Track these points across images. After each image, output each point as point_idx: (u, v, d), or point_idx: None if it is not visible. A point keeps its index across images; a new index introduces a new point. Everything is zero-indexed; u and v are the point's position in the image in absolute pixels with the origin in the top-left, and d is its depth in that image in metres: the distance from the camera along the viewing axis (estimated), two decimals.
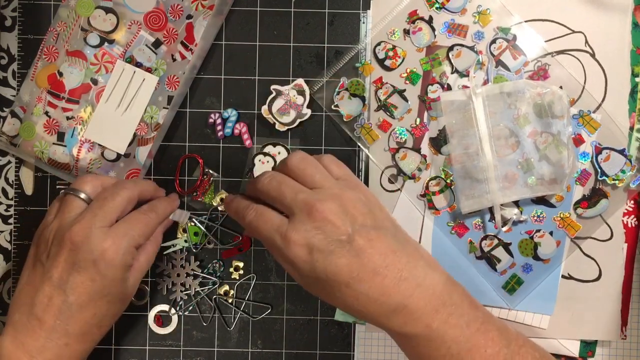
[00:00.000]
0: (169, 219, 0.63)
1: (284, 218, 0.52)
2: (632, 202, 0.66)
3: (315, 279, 0.51)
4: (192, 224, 0.67)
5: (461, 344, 0.50)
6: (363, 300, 0.50)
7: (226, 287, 0.68)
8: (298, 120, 0.66)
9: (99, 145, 0.65)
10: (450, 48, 0.66)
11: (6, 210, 0.68)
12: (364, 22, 0.67)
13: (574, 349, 0.67)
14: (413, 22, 0.66)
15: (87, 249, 0.53)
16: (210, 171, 0.67)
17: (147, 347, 0.68)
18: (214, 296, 0.68)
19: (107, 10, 0.64)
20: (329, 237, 0.50)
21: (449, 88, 0.66)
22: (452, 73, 0.66)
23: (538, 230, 0.66)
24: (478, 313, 0.52)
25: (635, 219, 0.66)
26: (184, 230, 0.67)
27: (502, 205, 0.64)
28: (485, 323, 0.51)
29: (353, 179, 0.56)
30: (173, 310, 0.68)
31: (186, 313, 0.68)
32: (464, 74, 0.66)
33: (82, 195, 0.57)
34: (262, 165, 0.67)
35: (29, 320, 0.54)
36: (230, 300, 0.68)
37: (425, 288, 0.50)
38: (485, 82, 0.65)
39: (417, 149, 0.66)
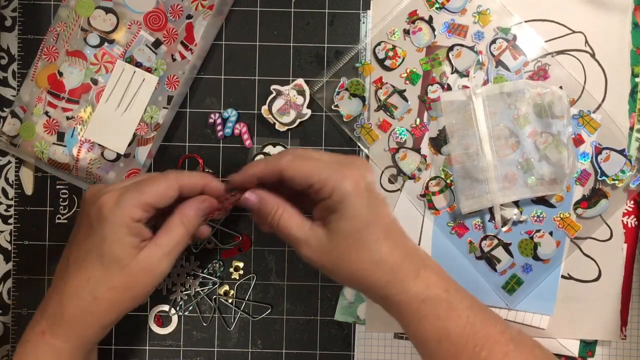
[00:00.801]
0: (211, 202, 0.54)
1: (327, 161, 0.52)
2: (632, 202, 0.67)
3: (359, 221, 0.50)
4: None
5: (476, 312, 0.51)
6: (397, 254, 0.51)
7: (226, 287, 0.68)
8: (298, 120, 0.67)
9: (99, 145, 0.65)
10: (450, 48, 0.66)
11: (6, 210, 0.69)
12: (364, 22, 0.67)
13: (573, 349, 0.67)
14: (413, 22, 0.66)
15: (90, 201, 0.52)
16: (210, 171, 0.68)
17: (147, 347, 0.69)
18: (214, 296, 0.68)
19: (107, 10, 0.65)
20: (373, 184, 0.52)
21: (449, 88, 0.66)
22: (452, 73, 0.66)
23: (538, 231, 0.66)
24: (474, 297, 0.54)
25: (635, 219, 0.67)
26: None
27: (502, 205, 0.65)
28: (483, 305, 0.54)
29: None
30: (173, 310, 0.68)
31: (186, 313, 0.69)
32: (464, 74, 0.66)
33: None
34: None
35: (54, 278, 0.54)
36: (230, 301, 0.68)
37: (429, 256, 0.54)
38: (485, 82, 0.66)
39: (417, 149, 0.67)
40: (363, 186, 0.50)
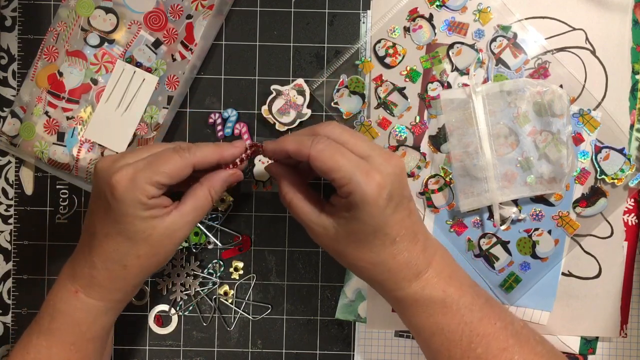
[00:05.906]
0: (237, 176, 0.60)
1: (358, 157, 0.54)
2: (632, 200, 0.70)
3: (369, 227, 0.53)
4: None
5: (474, 312, 0.56)
6: (399, 259, 0.55)
7: (226, 287, 0.72)
8: (298, 120, 0.70)
9: (99, 145, 0.69)
10: (451, 46, 0.70)
11: (6, 210, 0.73)
12: (364, 22, 0.71)
13: (574, 345, 0.71)
14: (413, 20, 0.70)
15: (102, 177, 0.55)
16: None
17: (147, 347, 0.72)
18: (214, 296, 0.72)
19: (107, 10, 0.68)
20: (400, 189, 0.54)
21: (449, 86, 0.70)
22: (452, 71, 0.70)
23: (536, 229, 0.69)
24: (480, 289, 0.59)
25: (635, 217, 0.70)
26: None
27: (501, 204, 0.68)
28: (490, 299, 0.58)
29: None
30: (173, 310, 0.72)
31: (186, 313, 0.72)
32: (464, 72, 0.70)
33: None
34: (262, 165, 0.70)
35: (79, 244, 0.60)
36: (230, 300, 0.72)
37: (440, 256, 0.58)
38: (486, 81, 0.69)
39: (416, 146, 0.70)
40: (384, 194, 0.52)
